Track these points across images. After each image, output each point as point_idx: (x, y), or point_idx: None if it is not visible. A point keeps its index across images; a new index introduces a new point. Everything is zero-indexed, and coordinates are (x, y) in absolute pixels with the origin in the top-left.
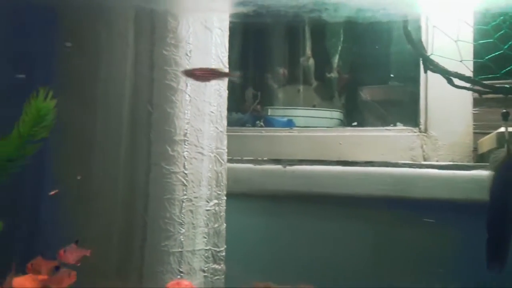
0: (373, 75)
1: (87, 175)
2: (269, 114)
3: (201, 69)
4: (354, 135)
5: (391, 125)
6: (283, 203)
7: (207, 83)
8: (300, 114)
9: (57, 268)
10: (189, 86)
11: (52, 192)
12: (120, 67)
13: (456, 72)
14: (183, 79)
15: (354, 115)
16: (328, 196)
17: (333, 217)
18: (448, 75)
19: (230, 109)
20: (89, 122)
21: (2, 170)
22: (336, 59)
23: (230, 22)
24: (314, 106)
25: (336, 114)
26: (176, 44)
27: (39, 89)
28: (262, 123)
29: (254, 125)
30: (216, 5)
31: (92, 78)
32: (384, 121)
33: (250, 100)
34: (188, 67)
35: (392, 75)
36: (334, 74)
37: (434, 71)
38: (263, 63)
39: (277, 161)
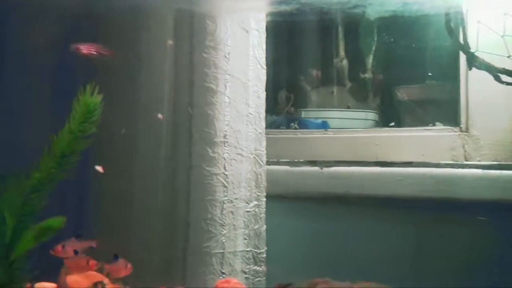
0: (409, 74)
1: (129, 178)
2: (303, 116)
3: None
4: (392, 136)
5: (430, 125)
6: (321, 205)
7: (246, 84)
8: (334, 115)
9: (115, 257)
10: (228, 88)
11: (99, 168)
12: (160, 71)
13: (504, 68)
14: (222, 81)
15: (389, 115)
16: (366, 197)
17: (372, 219)
18: (494, 72)
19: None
20: (130, 126)
21: (58, 166)
22: (370, 59)
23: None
24: (348, 108)
25: (371, 115)
26: (214, 47)
27: (85, 85)
28: (296, 125)
29: (288, 127)
30: (257, 4)
31: (133, 82)
32: (422, 121)
33: (283, 102)
34: (227, 69)
35: (429, 74)
36: (368, 75)
37: (479, 68)
38: (296, 65)
39: (313, 163)
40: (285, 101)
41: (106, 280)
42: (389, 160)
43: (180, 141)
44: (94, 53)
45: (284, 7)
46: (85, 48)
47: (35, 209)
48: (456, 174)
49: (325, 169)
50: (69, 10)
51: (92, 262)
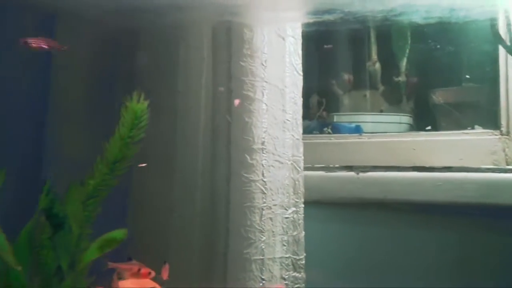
0: (444, 77)
1: (169, 185)
2: (335, 120)
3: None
4: (429, 140)
5: (468, 128)
6: (358, 210)
7: (283, 91)
8: (367, 119)
9: (129, 259)
10: (266, 95)
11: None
12: (198, 80)
13: None
14: (260, 89)
15: (424, 119)
16: (404, 203)
17: (410, 225)
18: None
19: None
20: (169, 134)
21: (111, 172)
22: (403, 62)
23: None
24: (381, 111)
25: (405, 118)
26: (251, 55)
27: (133, 92)
28: (329, 130)
29: (321, 132)
30: (297, 14)
31: (172, 90)
32: (459, 125)
33: (315, 107)
34: (264, 76)
35: (467, 76)
36: (401, 78)
37: None
38: (328, 69)
39: (349, 168)
40: (317, 105)
41: (157, 287)
42: (427, 165)
43: (219, 148)
44: (44, 46)
45: (327, 17)
46: (34, 42)
47: (92, 216)
48: (497, 179)
49: (361, 174)
50: (114, 26)
51: (145, 270)
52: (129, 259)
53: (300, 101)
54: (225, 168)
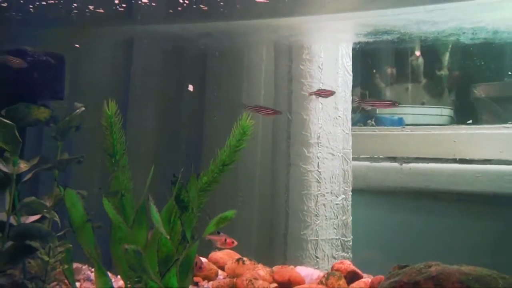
0: (486, 72)
1: (236, 175)
2: (377, 112)
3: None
4: (470, 133)
5: (509, 122)
6: (400, 199)
7: (336, 90)
8: (408, 112)
9: (218, 232)
10: (321, 95)
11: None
12: (258, 80)
13: None
14: (316, 89)
15: (465, 112)
16: (445, 192)
17: (450, 213)
18: None
19: None
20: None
21: (219, 172)
22: (446, 57)
23: None
24: (423, 104)
25: (447, 111)
26: (310, 59)
27: (244, 113)
28: (373, 122)
29: (365, 124)
30: (349, 36)
31: (239, 92)
32: (500, 118)
33: (358, 99)
34: (320, 78)
35: (509, 72)
36: (444, 72)
37: None
38: (371, 63)
39: (393, 159)
40: (360, 98)
41: (245, 258)
42: (467, 157)
43: (280, 143)
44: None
45: (386, 37)
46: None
47: (203, 203)
48: None
49: (404, 165)
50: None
51: (229, 240)
52: (218, 232)
53: (350, 99)
54: (285, 159)
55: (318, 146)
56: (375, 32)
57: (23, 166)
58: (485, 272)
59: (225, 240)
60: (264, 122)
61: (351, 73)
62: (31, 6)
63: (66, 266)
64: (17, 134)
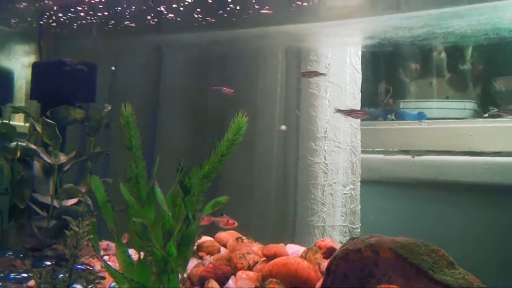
0: (508, 66)
1: (251, 166)
2: (401, 107)
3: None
4: (485, 126)
5: None
6: (411, 189)
7: (343, 88)
8: (432, 106)
9: (221, 214)
10: (328, 92)
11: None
12: (273, 81)
13: None
14: (323, 87)
15: (490, 105)
16: (453, 183)
17: (458, 203)
18: None
19: (364, 104)
20: (250, 123)
21: (219, 162)
22: (469, 51)
23: None
24: (447, 98)
25: (470, 104)
26: (317, 60)
27: (239, 111)
28: (393, 117)
29: (385, 118)
30: (351, 40)
31: (253, 89)
32: None
33: (382, 94)
34: (327, 77)
35: None
36: (467, 66)
37: None
38: (395, 59)
39: (406, 152)
40: (385, 93)
41: (244, 237)
42: (478, 150)
43: (290, 137)
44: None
45: (370, 41)
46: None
47: (205, 188)
48: None
49: (416, 158)
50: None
51: (231, 221)
52: (221, 214)
53: (359, 95)
54: (294, 152)
55: (325, 140)
56: (372, 36)
57: (62, 158)
58: (411, 241)
59: (227, 221)
60: (278, 118)
61: (360, 71)
62: (75, 24)
63: (91, 236)
64: (57, 131)
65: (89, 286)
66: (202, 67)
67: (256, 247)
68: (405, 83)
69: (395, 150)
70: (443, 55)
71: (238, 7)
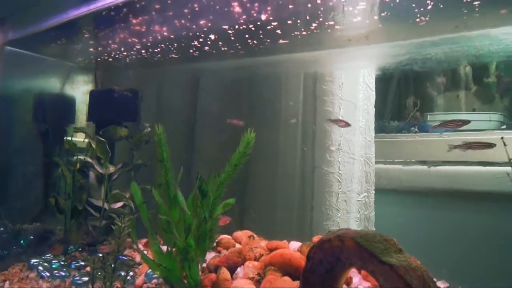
0: None
1: (274, 175)
2: (428, 119)
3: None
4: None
5: None
6: (428, 198)
7: (356, 105)
8: (458, 118)
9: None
10: (342, 109)
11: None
12: (294, 100)
13: None
14: (337, 105)
15: None
16: (467, 192)
17: (472, 210)
18: None
19: (392, 117)
20: (273, 138)
21: (233, 171)
22: (493, 66)
23: None
24: (474, 110)
25: (495, 116)
26: (332, 80)
27: (247, 128)
28: (416, 129)
29: (409, 131)
30: (363, 63)
31: (276, 107)
32: None
33: (411, 107)
34: (341, 95)
35: None
36: (492, 79)
37: None
38: (423, 73)
39: (423, 163)
40: (413, 106)
41: (255, 235)
42: (491, 160)
43: (307, 149)
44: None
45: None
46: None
47: (221, 193)
48: None
49: (432, 168)
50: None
51: (224, 218)
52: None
53: (372, 111)
54: (311, 163)
55: (339, 152)
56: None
57: (111, 169)
58: (369, 233)
59: (228, 220)
60: (297, 132)
61: (373, 89)
62: (127, 58)
63: (130, 230)
64: (107, 147)
65: (129, 271)
66: (233, 89)
67: (264, 243)
68: (433, 96)
69: (413, 160)
70: (468, 69)
71: (267, 39)
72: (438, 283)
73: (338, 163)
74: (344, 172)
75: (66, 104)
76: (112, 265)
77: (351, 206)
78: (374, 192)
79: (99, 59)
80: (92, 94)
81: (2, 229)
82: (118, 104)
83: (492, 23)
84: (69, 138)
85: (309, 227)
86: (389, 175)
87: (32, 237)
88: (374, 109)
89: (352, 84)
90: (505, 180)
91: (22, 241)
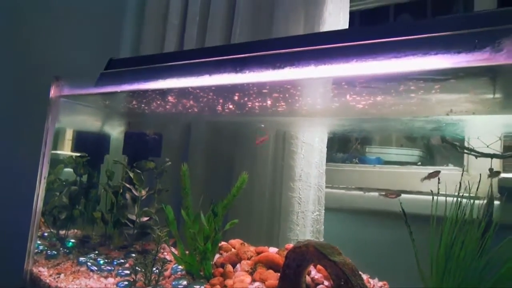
0: None
1: (251, 198)
2: (367, 151)
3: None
4: (418, 172)
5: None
6: (362, 216)
7: (313, 146)
8: (391, 152)
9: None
10: (304, 150)
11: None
12: (268, 142)
13: None
14: (300, 146)
15: (430, 154)
16: (394, 213)
17: (388, 227)
18: None
19: (338, 149)
20: (254, 172)
21: (232, 199)
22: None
23: None
24: (401, 146)
25: (416, 152)
26: (296, 131)
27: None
28: (357, 161)
29: (351, 162)
30: (318, 128)
31: (254, 152)
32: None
33: (354, 141)
34: (303, 139)
35: None
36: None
37: None
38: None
39: (360, 189)
40: (355, 140)
41: (245, 243)
42: (414, 190)
43: (277, 179)
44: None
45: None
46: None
47: (223, 214)
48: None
49: (367, 193)
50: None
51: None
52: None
53: (325, 150)
54: (279, 189)
55: (300, 182)
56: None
57: (143, 192)
58: (324, 243)
59: None
60: (270, 166)
61: (326, 134)
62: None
63: (166, 238)
64: (141, 176)
65: (164, 265)
66: (220, 137)
67: (252, 248)
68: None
69: (353, 187)
70: None
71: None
72: (363, 275)
73: (298, 190)
74: (303, 196)
75: (104, 140)
76: (151, 262)
77: (307, 222)
78: (324, 211)
79: (130, 108)
80: (127, 134)
81: (47, 234)
82: (147, 143)
83: None
84: (108, 168)
85: (277, 237)
86: (334, 198)
87: (73, 240)
88: (326, 148)
89: (310, 132)
90: (423, 205)
91: (69, 243)
